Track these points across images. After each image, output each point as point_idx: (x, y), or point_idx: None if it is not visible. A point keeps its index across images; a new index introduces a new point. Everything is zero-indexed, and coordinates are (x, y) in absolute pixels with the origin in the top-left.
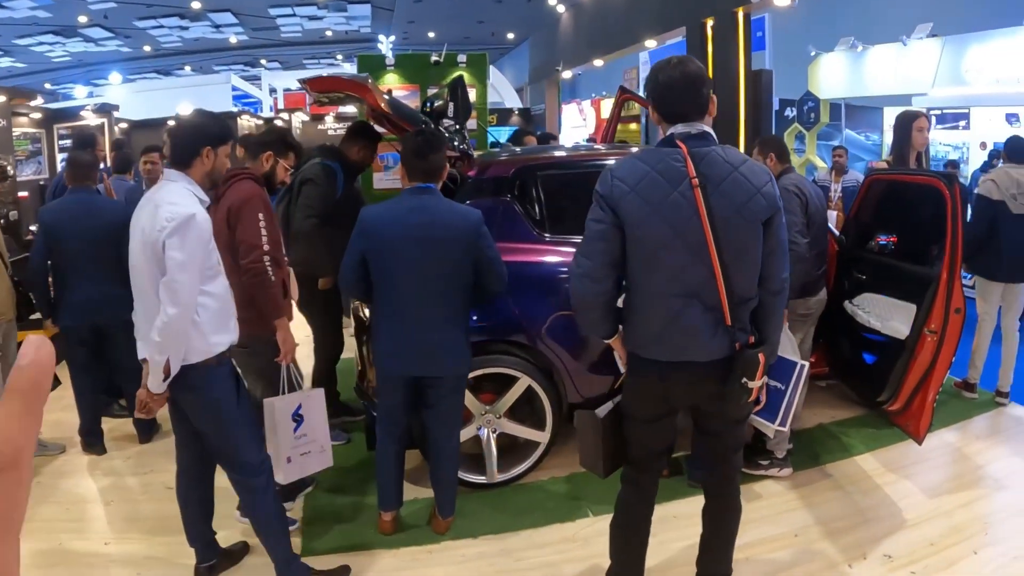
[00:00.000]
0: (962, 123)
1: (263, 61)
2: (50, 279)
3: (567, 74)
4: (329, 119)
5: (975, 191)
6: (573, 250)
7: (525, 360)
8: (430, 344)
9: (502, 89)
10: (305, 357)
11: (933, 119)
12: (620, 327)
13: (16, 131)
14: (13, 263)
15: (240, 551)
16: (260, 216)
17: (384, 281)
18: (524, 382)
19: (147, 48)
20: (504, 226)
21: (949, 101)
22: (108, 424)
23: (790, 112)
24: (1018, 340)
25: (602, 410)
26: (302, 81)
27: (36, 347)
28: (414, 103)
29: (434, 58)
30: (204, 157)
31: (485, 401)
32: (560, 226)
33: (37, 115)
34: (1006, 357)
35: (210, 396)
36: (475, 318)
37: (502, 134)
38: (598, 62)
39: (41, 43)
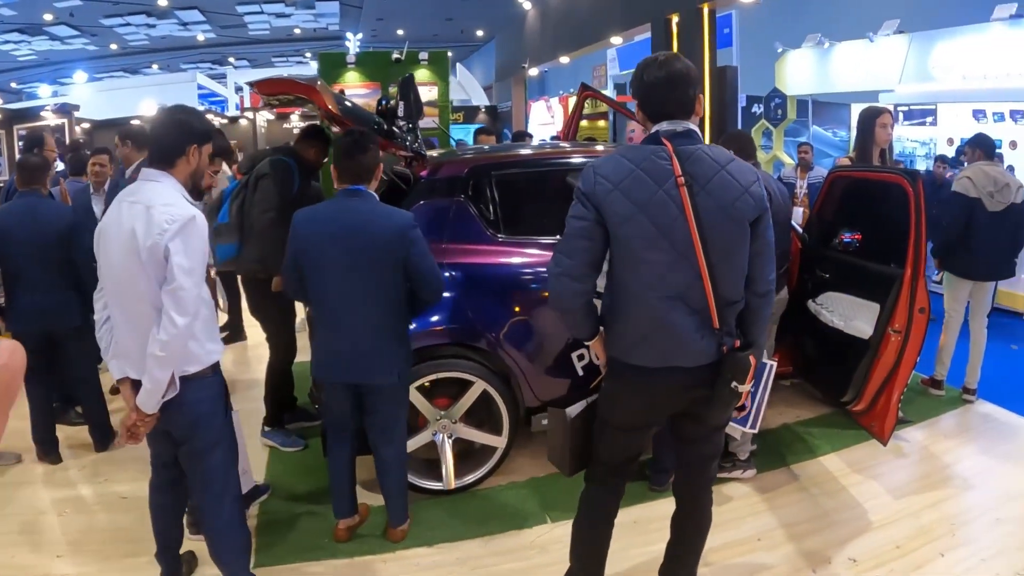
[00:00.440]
0: (929, 119)
1: (231, 59)
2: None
3: (533, 71)
4: (295, 118)
5: (952, 189)
6: (528, 251)
7: (480, 364)
8: (359, 351)
9: (470, 87)
10: (258, 360)
11: (901, 115)
12: (601, 328)
13: None
14: None
15: (189, 561)
16: None
17: (314, 285)
18: (479, 386)
19: (114, 46)
20: (457, 227)
21: (916, 97)
22: (64, 432)
23: (757, 108)
24: (985, 337)
25: (573, 409)
26: (250, 84)
27: (10, 352)
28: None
29: (395, 56)
30: (190, 156)
31: (440, 406)
32: (515, 227)
33: None
34: (973, 354)
35: (201, 410)
36: (432, 320)
37: (468, 133)
38: (564, 59)
39: (6, 41)
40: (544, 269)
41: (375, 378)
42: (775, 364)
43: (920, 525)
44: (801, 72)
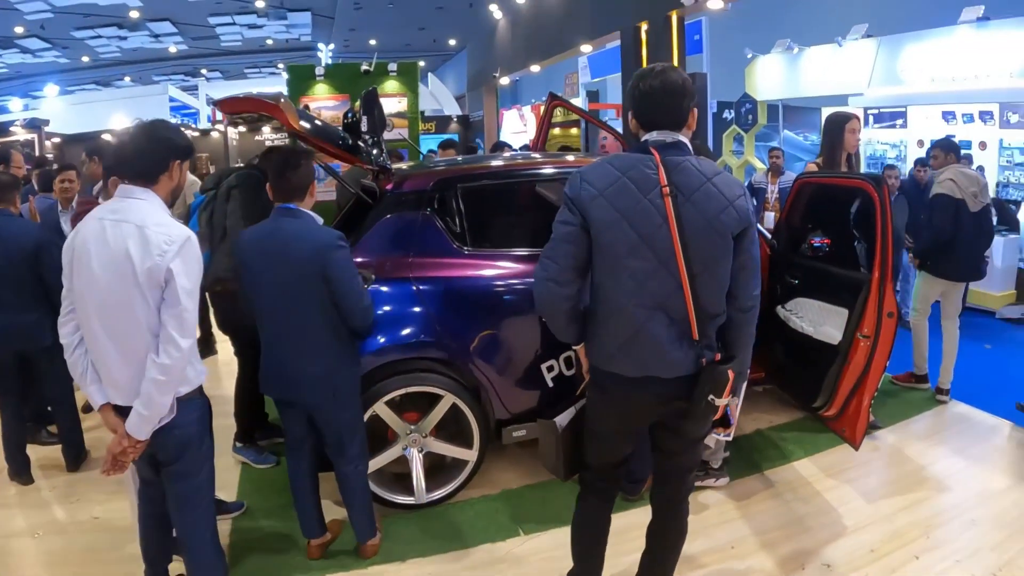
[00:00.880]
0: (899, 122)
1: (203, 71)
2: None
3: (504, 80)
4: (267, 130)
5: (936, 191)
6: (495, 264)
7: (449, 377)
8: (296, 369)
9: (441, 97)
10: (229, 375)
11: (871, 118)
12: None
13: None
14: None
15: None
16: None
17: (254, 303)
18: (449, 400)
19: (85, 59)
20: (423, 240)
21: (885, 100)
22: (35, 452)
23: (728, 114)
24: (958, 337)
25: (563, 419)
26: (214, 103)
27: None
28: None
29: (364, 67)
30: (172, 172)
31: (410, 420)
32: (482, 240)
33: None
34: (947, 355)
35: (191, 432)
36: (400, 334)
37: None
38: (535, 68)
39: None
40: (512, 281)
41: (311, 396)
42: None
43: (894, 528)
44: (771, 77)
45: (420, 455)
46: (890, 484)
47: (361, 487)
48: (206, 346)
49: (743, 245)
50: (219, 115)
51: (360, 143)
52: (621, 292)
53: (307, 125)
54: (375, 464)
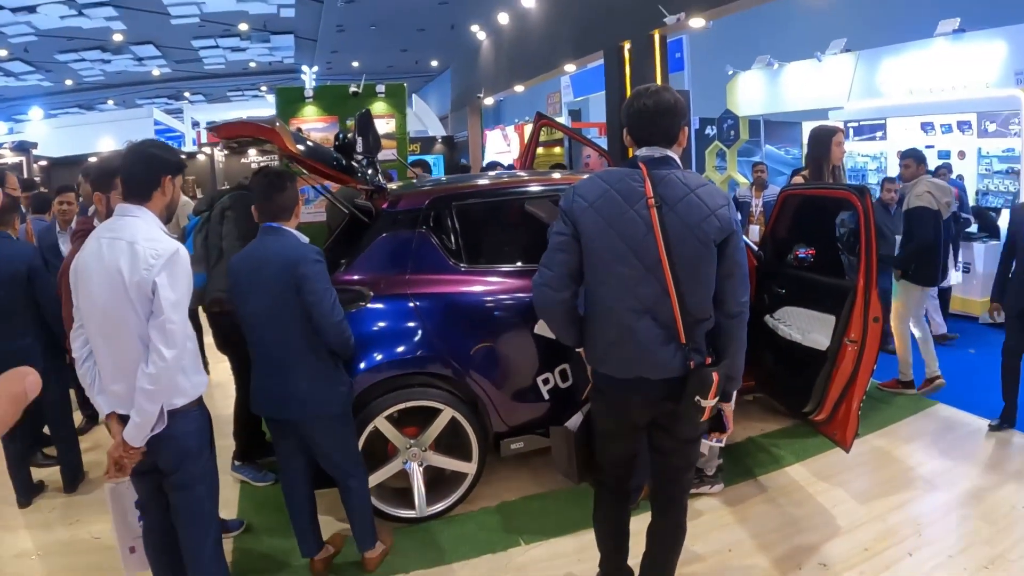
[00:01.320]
0: (879, 134)
1: (187, 94)
2: None
3: (489, 100)
4: (252, 153)
5: (916, 204)
6: (491, 279)
7: (448, 392)
8: (282, 389)
9: (426, 118)
10: (223, 396)
11: (851, 131)
12: None
13: None
14: None
15: None
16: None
17: (243, 324)
18: (448, 414)
19: (69, 82)
20: (420, 258)
21: (865, 113)
22: (33, 474)
23: (711, 130)
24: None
25: (573, 423)
26: (210, 128)
27: (24, 374)
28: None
29: (352, 89)
30: (164, 187)
31: (409, 435)
32: (477, 256)
33: None
34: (924, 349)
35: (188, 443)
36: (390, 353)
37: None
38: (519, 88)
39: None
40: (507, 297)
41: (299, 415)
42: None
43: (887, 527)
44: (752, 93)
45: (420, 469)
46: (881, 485)
47: (359, 498)
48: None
49: (727, 252)
50: (203, 138)
51: (353, 163)
52: (610, 296)
53: (302, 147)
54: (376, 479)
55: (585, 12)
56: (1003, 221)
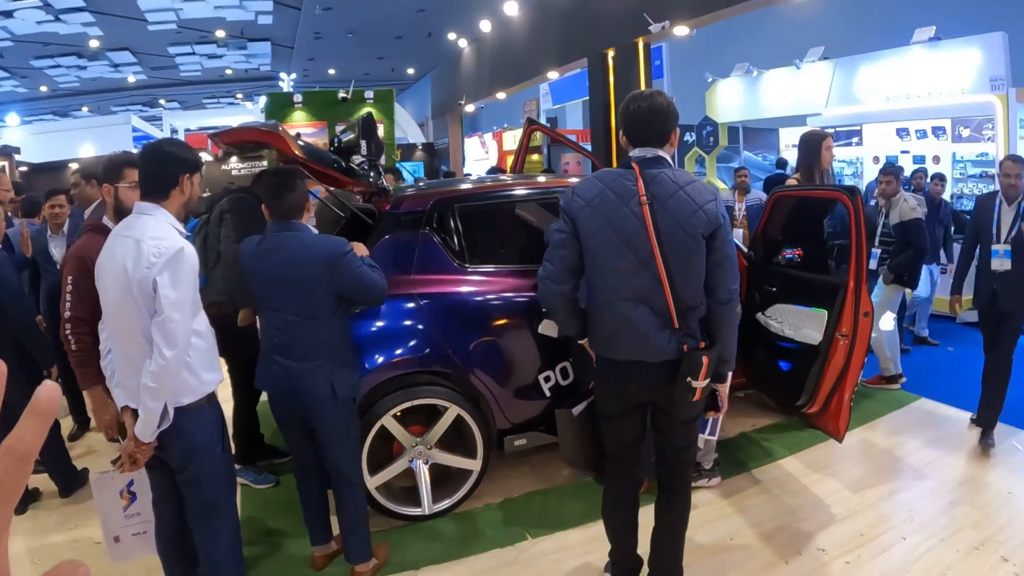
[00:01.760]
0: (855, 139)
1: (162, 101)
2: None
3: (470, 108)
4: (233, 160)
5: (912, 216)
6: (494, 279)
7: (452, 390)
8: (295, 368)
9: (405, 124)
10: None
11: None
12: None
13: None
14: None
15: None
16: (69, 279)
17: (258, 305)
18: (453, 412)
19: (44, 88)
20: (424, 258)
21: (842, 119)
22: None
23: (690, 136)
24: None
25: (577, 408)
26: (212, 136)
27: (52, 388)
28: (322, 140)
29: (341, 95)
30: (183, 186)
31: (415, 433)
32: (480, 256)
33: None
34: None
35: (197, 440)
36: (397, 352)
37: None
38: (501, 95)
39: None
40: (510, 296)
41: (310, 395)
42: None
43: (880, 514)
44: (731, 100)
45: (426, 467)
46: (872, 475)
47: (355, 505)
48: None
49: (715, 244)
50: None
51: (353, 166)
52: (609, 288)
53: (305, 152)
54: (383, 477)
55: (569, 20)
56: None
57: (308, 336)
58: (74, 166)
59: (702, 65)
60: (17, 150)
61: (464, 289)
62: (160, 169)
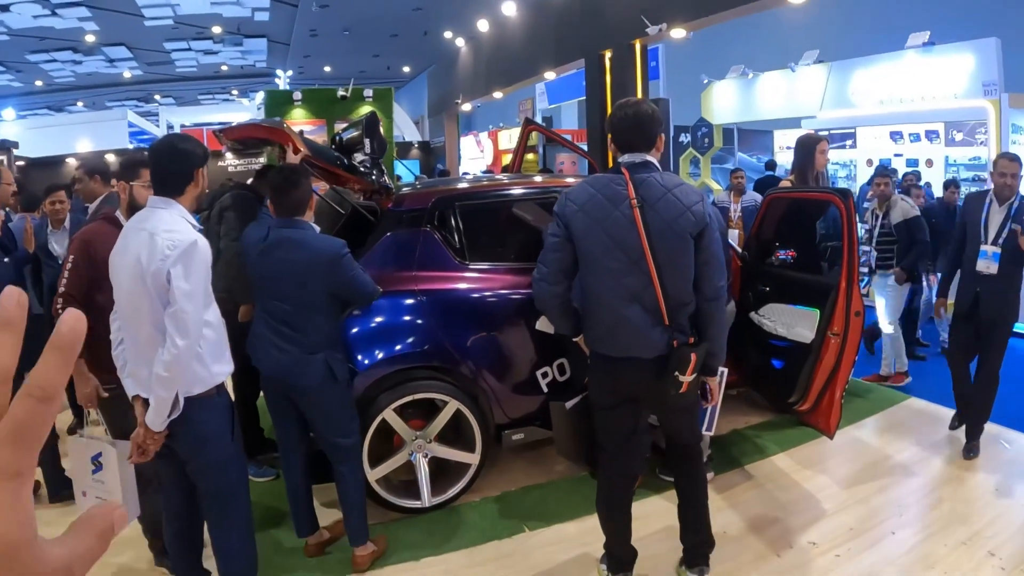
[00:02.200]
0: (849, 142)
1: (157, 96)
2: None
3: (467, 107)
4: (229, 156)
5: (914, 215)
6: (493, 276)
7: (452, 384)
8: (290, 351)
9: (402, 123)
10: None
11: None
12: None
13: None
14: None
15: None
16: (71, 258)
17: (256, 289)
18: (452, 406)
19: (39, 83)
20: (425, 255)
21: (836, 122)
22: None
23: (685, 138)
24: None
25: (571, 402)
26: (217, 133)
27: (75, 318)
28: (322, 138)
29: (341, 93)
30: (197, 179)
31: (415, 427)
32: (480, 254)
33: None
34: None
35: (207, 429)
36: (399, 347)
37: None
38: (498, 94)
39: None
40: (509, 293)
41: (305, 378)
42: (726, 371)
43: (870, 509)
44: (726, 102)
45: (425, 460)
46: (862, 472)
47: (352, 487)
48: None
49: (702, 244)
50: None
51: (355, 164)
52: (602, 287)
53: (310, 148)
54: (383, 470)
55: (567, 21)
56: None
57: (307, 324)
58: (72, 161)
59: (698, 67)
60: (16, 144)
61: (464, 286)
62: (177, 167)
